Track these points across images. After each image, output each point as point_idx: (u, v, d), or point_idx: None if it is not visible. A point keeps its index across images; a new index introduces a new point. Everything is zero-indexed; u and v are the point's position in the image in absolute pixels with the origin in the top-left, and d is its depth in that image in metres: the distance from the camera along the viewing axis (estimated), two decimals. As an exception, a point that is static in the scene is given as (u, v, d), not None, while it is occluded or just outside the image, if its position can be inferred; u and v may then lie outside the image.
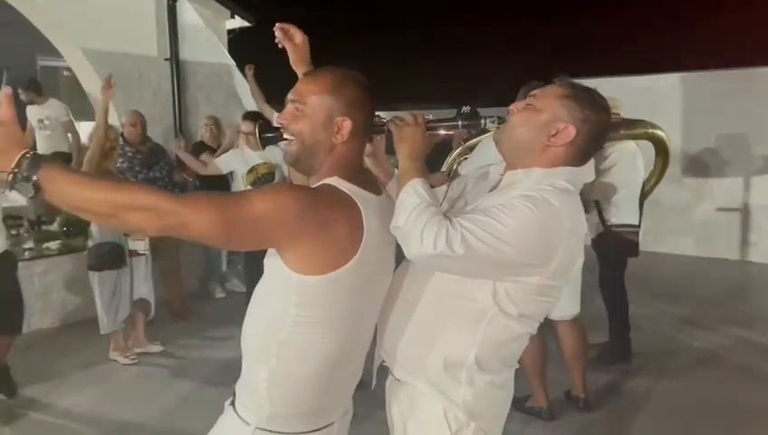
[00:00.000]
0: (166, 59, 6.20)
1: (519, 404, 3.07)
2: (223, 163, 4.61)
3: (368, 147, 1.53)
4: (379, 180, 1.54)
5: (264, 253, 1.37)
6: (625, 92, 4.03)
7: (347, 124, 1.33)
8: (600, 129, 1.44)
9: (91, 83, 5.73)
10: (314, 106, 1.33)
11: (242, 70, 7.02)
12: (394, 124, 1.46)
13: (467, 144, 3.18)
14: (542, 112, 1.42)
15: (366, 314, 1.43)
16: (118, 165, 4.30)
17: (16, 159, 1.11)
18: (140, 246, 4.07)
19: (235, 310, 1.43)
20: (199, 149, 5.46)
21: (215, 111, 6.08)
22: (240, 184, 4.52)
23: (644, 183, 3.86)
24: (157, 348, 4.27)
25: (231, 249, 1.16)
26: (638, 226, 3.81)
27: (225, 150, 5.02)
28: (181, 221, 1.17)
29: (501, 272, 1.36)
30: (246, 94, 7.03)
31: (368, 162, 1.60)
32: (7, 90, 1.18)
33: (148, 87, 5.90)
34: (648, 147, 3.88)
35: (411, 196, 1.36)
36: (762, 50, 7.49)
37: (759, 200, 6.84)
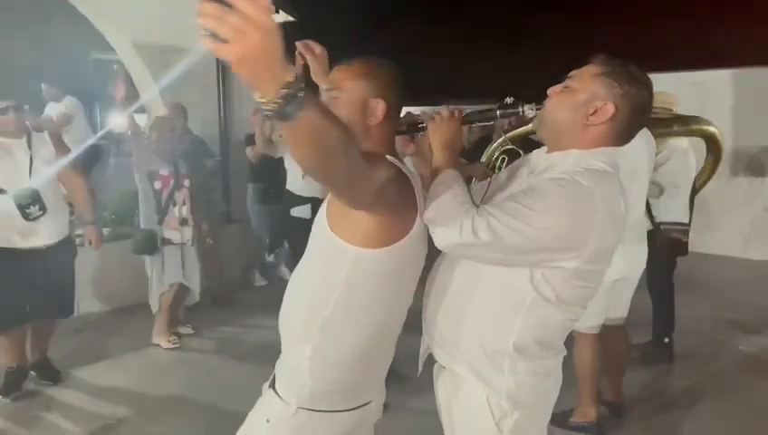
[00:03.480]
0: (212, 52, 6.32)
1: (562, 421, 2.93)
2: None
3: (411, 146, 1.56)
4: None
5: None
6: (672, 88, 3.92)
7: (381, 106, 1.37)
8: (642, 103, 1.41)
9: (140, 76, 5.91)
10: (349, 91, 1.37)
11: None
12: (430, 118, 1.48)
13: (508, 135, 3.14)
14: (579, 92, 1.40)
15: (405, 292, 1.46)
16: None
17: (294, 74, 0.90)
18: (174, 235, 4.18)
19: (276, 298, 1.47)
20: (252, 141, 5.62)
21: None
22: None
23: (694, 181, 3.77)
24: (187, 330, 4.44)
25: (351, 206, 1.22)
26: (688, 224, 3.73)
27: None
28: (357, 177, 1.14)
29: (533, 258, 1.35)
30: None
31: (413, 161, 1.62)
32: None
33: (194, 79, 6.04)
34: (697, 143, 3.78)
35: (440, 187, 1.39)
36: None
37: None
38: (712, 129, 3.55)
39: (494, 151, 3.23)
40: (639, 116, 1.42)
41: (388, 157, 1.36)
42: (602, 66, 1.41)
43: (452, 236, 1.31)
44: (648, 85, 1.42)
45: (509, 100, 1.50)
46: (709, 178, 3.79)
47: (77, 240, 4.87)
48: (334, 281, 1.34)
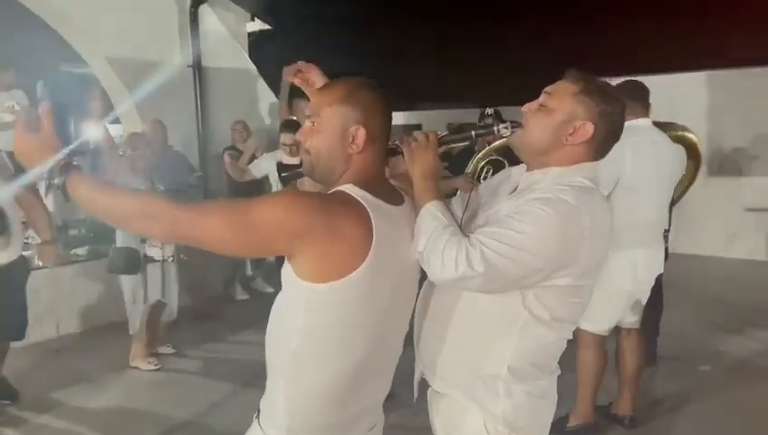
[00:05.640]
0: (188, 66, 6.27)
1: (557, 430, 2.88)
2: (256, 168, 4.73)
3: (385, 169, 1.50)
4: (404, 193, 1.47)
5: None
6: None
7: (361, 133, 1.29)
8: (618, 120, 1.43)
9: (115, 90, 5.83)
10: (328, 118, 1.30)
11: (262, 73, 7.08)
12: (406, 144, 1.43)
13: (491, 146, 3.15)
14: (557, 112, 1.39)
15: (384, 324, 1.34)
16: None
17: (49, 166, 1.28)
18: (156, 252, 4.11)
19: (258, 312, 1.43)
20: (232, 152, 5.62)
21: (236, 116, 6.14)
22: (275, 188, 4.61)
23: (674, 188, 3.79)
24: (168, 350, 4.35)
25: (241, 256, 1.19)
26: (668, 229, 3.75)
27: (249, 158, 5.18)
28: (187, 229, 1.24)
29: (527, 281, 1.33)
30: (266, 99, 7.10)
31: (392, 181, 1.57)
32: (47, 104, 1.36)
33: (171, 94, 5.97)
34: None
35: (427, 220, 1.34)
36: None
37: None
38: (690, 135, 3.59)
39: (478, 162, 3.23)
40: (615, 132, 1.44)
41: (342, 188, 1.29)
42: (578, 84, 1.41)
43: (448, 272, 1.27)
44: (621, 101, 1.44)
45: (489, 111, 1.48)
46: (690, 184, 3.82)
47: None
48: (297, 312, 1.28)
